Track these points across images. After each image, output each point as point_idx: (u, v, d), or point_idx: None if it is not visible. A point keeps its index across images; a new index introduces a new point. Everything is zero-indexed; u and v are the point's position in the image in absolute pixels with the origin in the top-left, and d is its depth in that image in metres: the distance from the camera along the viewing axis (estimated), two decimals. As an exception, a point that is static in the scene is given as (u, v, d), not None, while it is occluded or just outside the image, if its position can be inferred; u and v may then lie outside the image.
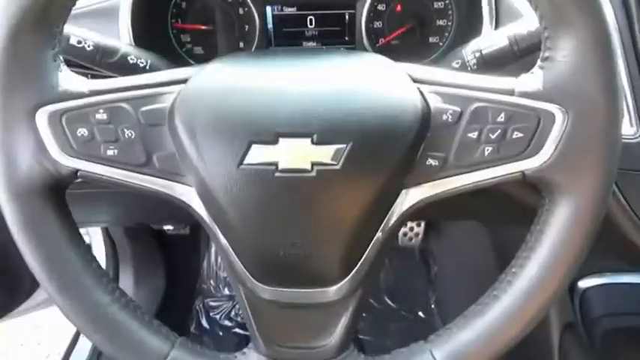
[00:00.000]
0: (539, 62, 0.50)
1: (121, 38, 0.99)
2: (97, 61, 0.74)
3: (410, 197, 0.53)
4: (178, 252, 1.83)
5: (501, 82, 0.52)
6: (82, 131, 0.51)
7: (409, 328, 1.75)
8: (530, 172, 0.50)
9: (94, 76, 1.00)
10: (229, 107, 0.51)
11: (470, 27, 1.10)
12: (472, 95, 0.51)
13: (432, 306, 1.71)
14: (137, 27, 1.02)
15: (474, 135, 0.51)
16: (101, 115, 0.51)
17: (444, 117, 0.52)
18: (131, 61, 0.83)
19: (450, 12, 1.17)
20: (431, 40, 1.19)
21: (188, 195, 0.54)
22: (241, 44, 1.20)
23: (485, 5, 1.00)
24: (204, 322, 1.72)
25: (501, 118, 0.50)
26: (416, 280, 1.87)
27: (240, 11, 1.17)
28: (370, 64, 0.58)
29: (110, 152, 0.52)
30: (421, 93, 0.53)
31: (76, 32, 0.79)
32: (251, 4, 1.15)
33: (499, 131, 0.50)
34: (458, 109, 0.51)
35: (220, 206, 0.52)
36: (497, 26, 0.98)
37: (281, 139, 0.49)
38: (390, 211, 0.53)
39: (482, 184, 0.52)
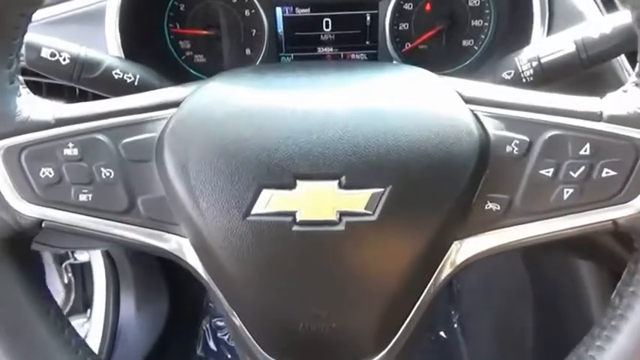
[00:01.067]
0: (634, 77, 0.42)
1: (108, 47, 0.86)
2: (74, 78, 0.64)
3: (464, 250, 0.44)
4: (182, 269, 1.69)
5: (584, 103, 0.43)
6: (47, 171, 0.42)
7: (431, 350, 1.61)
8: (625, 220, 0.41)
9: (72, 98, 0.89)
10: (233, 139, 0.42)
11: (513, 29, 0.96)
12: (545, 120, 0.42)
13: (455, 325, 1.57)
14: (127, 33, 0.89)
15: (548, 172, 0.42)
16: (71, 151, 0.42)
17: (508, 149, 0.42)
18: (116, 77, 0.69)
19: (487, 11, 1.02)
20: (464, 43, 1.05)
21: (181, 248, 0.45)
22: (248, 51, 1.06)
23: (536, 3, 0.85)
24: (211, 344, 1.61)
25: (585, 150, 0.41)
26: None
27: (247, 13, 1.03)
28: (408, 81, 0.49)
29: (83, 197, 0.43)
30: (476, 117, 0.43)
31: (48, 43, 0.65)
32: (258, 5, 1.01)
33: (583, 168, 0.41)
34: (526, 138, 0.42)
35: (221, 265, 0.43)
36: (550, 29, 0.84)
37: (299, 182, 0.40)
38: (438, 269, 0.44)
39: (559, 235, 0.43)
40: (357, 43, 1.06)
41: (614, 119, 0.40)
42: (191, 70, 1.07)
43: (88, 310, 1.63)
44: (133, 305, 1.58)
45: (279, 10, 1.02)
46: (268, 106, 0.44)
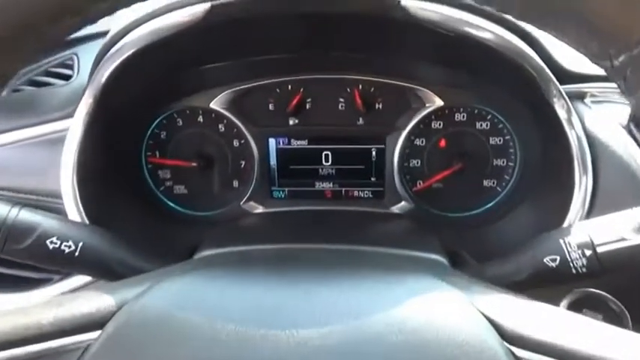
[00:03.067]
0: None
1: (62, 182, 0.72)
2: None
3: None
4: None
5: None
6: None
7: None
8: None
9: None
10: None
11: (546, 172, 0.81)
12: None
13: None
14: (91, 163, 0.75)
15: None
16: None
17: None
18: (51, 246, 0.54)
19: (511, 150, 0.88)
20: (486, 183, 0.90)
21: None
22: (236, 183, 0.92)
23: (573, 141, 0.70)
24: None
25: None
26: None
27: (236, 143, 0.91)
28: (426, 303, 0.37)
29: None
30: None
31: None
32: (249, 136, 0.89)
33: None
34: None
35: None
36: (595, 179, 0.69)
37: None
38: None
39: None
40: (361, 179, 0.92)
41: None
42: (169, 203, 0.94)
43: None
44: None
45: (272, 141, 0.90)
46: (224, 338, 0.34)
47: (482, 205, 0.91)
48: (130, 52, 0.69)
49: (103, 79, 0.71)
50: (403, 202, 0.90)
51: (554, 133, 0.72)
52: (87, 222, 0.70)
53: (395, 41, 0.76)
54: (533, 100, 0.75)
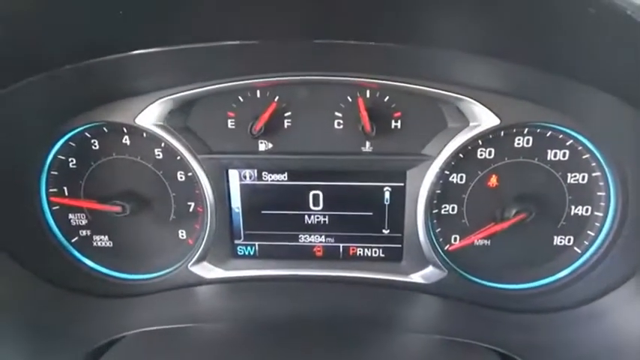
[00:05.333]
0: None
1: None
2: None
3: None
4: None
5: None
6: None
7: None
8: None
9: None
10: None
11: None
12: None
13: None
14: None
15: None
16: None
17: None
18: None
19: (600, 193, 0.59)
20: (558, 242, 0.61)
21: None
22: (182, 234, 0.64)
23: None
24: None
25: None
26: None
27: (180, 177, 0.62)
28: None
29: None
30: None
31: None
32: (196, 167, 0.61)
33: None
34: None
35: None
36: None
37: None
38: None
39: None
40: (368, 232, 0.65)
41: None
42: (85, 261, 0.65)
43: None
44: None
45: (233, 174, 0.61)
46: None
47: (551, 274, 0.61)
48: None
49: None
50: (430, 268, 0.60)
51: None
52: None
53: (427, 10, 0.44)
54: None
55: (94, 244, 0.65)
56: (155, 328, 0.53)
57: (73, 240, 0.65)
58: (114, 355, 0.50)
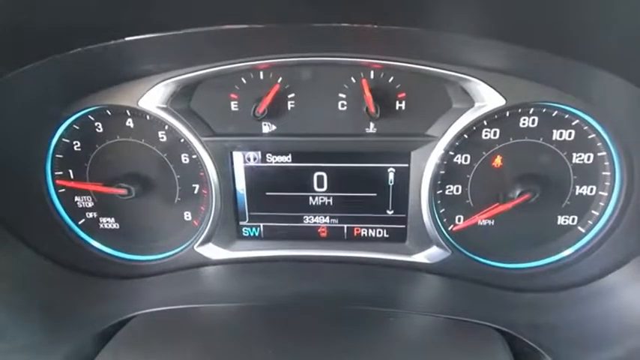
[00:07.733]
0: None
1: None
2: None
3: None
4: None
5: None
6: None
7: None
8: None
9: None
10: None
11: None
12: None
13: None
14: None
15: None
16: None
17: None
18: None
19: (606, 172, 0.57)
20: (562, 221, 0.61)
21: None
22: (187, 215, 0.64)
23: None
24: None
25: None
26: None
27: (184, 159, 0.62)
28: None
29: None
30: None
31: None
32: (200, 149, 0.61)
33: None
34: None
35: None
36: None
37: None
38: None
39: None
40: (372, 213, 0.65)
41: None
42: (92, 243, 0.65)
43: None
44: None
45: (237, 156, 0.60)
46: None
47: (555, 254, 0.61)
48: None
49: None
50: (434, 248, 0.60)
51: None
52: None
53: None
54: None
55: (101, 226, 0.65)
56: (163, 308, 0.54)
57: (80, 222, 0.65)
58: (123, 336, 0.50)
